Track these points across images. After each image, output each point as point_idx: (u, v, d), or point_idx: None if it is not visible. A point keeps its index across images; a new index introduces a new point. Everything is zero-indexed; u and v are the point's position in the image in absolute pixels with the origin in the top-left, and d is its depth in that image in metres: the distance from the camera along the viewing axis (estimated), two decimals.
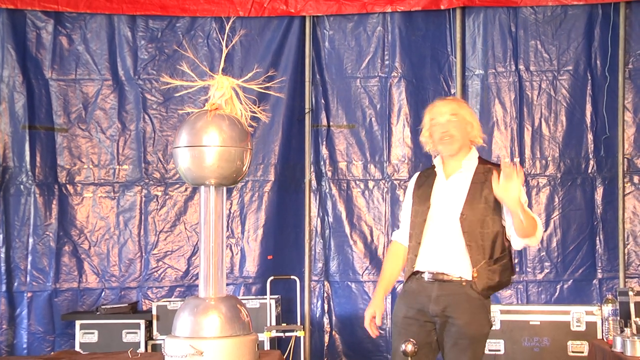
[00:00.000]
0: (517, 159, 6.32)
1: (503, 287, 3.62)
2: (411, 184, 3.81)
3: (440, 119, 3.61)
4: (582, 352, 5.35)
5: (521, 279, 6.24)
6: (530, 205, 6.18)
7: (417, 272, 3.62)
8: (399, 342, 3.37)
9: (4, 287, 6.24)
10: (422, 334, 3.54)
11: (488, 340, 5.47)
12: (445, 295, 3.51)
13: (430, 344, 3.56)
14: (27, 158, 6.32)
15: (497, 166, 3.49)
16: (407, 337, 3.29)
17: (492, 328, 5.41)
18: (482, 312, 3.52)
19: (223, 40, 3.21)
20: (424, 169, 3.87)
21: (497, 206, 3.50)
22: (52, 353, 3.87)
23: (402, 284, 3.81)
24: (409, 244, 3.72)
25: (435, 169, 3.69)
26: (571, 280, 6.21)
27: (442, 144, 3.60)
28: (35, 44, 6.39)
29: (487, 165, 3.60)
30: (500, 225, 3.53)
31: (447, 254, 3.53)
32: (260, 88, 3.19)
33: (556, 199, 6.28)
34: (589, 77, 6.27)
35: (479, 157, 3.68)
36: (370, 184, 6.46)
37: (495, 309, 5.55)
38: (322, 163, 6.51)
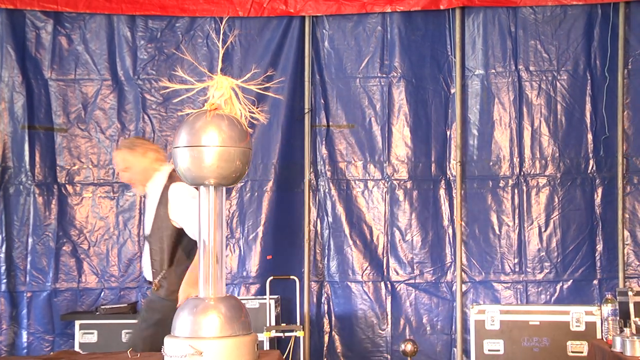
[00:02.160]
0: (516, 159, 6.32)
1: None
2: None
3: (118, 169, 4.12)
4: (582, 352, 5.35)
5: (521, 279, 6.25)
6: (529, 206, 6.23)
7: None
8: None
9: (3, 287, 6.24)
10: None
11: (488, 340, 5.52)
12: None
13: None
14: (27, 158, 6.33)
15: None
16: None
17: (492, 328, 5.46)
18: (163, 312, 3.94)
19: (220, 40, 3.20)
20: None
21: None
22: (52, 353, 3.86)
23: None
24: None
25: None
26: (571, 281, 6.21)
27: (132, 188, 4.18)
28: (34, 44, 6.39)
29: (169, 184, 4.06)
30: (178, 239, 4.02)
31: (146, 267, 4.21)
32: (260, 89, 3.19)
33: (556, 199, 6.28)
34: (589, 77, 6.27)
35: (169, 175, 4.11)
36: (370, 184, 6.46)
37: (494, 309, 5.56)
38: (321, 163, 6.51)
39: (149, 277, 4.18)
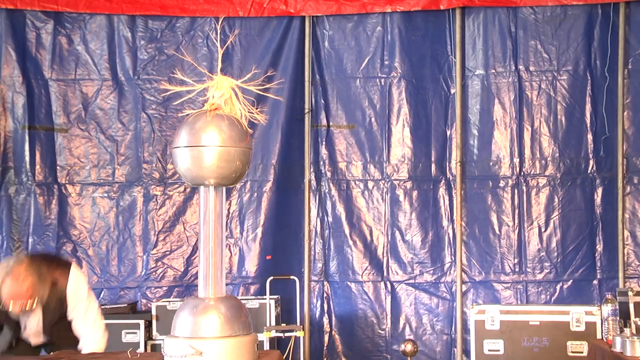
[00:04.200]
0: (516, 159, 6.32)
1: None
2: None
3: (19, 296, 3.72)
4: (582, 353, 5.35)
5: (521, 279, 6.25)
6: (529, 206, 6.23)
7: None
8: None
9: None
10: None
11: (488, 340, 5.52)
12: None
13: None
14: (27, 158, 6.33)
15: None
16: None
17: (492, 328, 5.46)
18: None
19: (218, 40, 3.21)
20: None
21: None
22: (52, 353, 3.86)
23: None
24: None
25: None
26: (571, 281, 6.21)
27: (20, 313, 3.80)
28: (34, 44, 6.39)
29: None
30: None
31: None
32: (260, 89, 3.19)
33: (556, 199, 6.28)
34: (589, 77, 6.27)
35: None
36: (370, 184, 6.46)
37: (494, 309, 5.56)
38: (321, 163, 6.51)
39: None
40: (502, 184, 6.34)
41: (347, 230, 6.44)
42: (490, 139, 6.37)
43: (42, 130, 6.40)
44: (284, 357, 5.49)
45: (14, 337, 3.98)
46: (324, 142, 6.51)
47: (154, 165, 6.45)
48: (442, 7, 6.30)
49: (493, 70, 6.37)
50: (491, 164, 6.36)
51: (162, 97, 6.40)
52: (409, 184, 6.43)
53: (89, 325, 3.98)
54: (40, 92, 6.40)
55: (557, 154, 6.30)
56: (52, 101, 6.42)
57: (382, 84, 6.47)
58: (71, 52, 6.44)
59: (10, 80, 6.35)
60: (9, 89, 6.35)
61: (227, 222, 6.34)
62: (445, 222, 6.39)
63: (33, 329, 3.97)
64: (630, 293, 5.16)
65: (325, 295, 6.44)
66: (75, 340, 4.00)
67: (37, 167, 6.37)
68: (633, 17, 6.23)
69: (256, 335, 3.14)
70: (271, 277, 6.00)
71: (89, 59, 6.45)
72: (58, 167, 6.41)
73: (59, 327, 3.98)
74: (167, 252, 6.42)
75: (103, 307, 5.94)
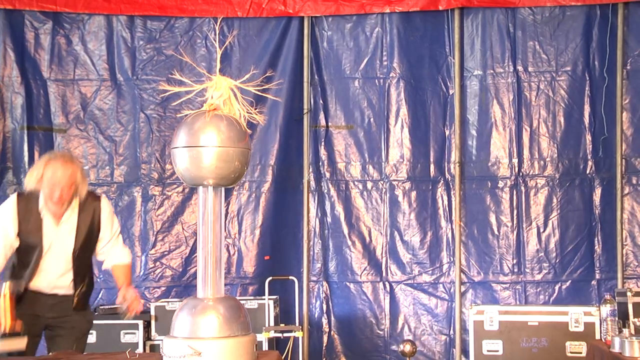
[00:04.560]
0: (515, 160, 6.33)
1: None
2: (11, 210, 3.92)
3: (62, 182, 3.81)
4: (580, 353, 5.35)
5: (519, 279, 6.25)
6: (528, 206, 6.23)
7: None
8: None
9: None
10: None
11: (486, 341, 5.52)
12: None
13: None
14: (26, 159, 6.32)
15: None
16: None
17: (491, 328, 5.46)
18: None
19: (217, 41, 3.21)
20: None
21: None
22: (51, 354, 3.86)
23: None
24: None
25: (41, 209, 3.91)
26: (569, 281, 6.22)
27: (55, 204, 3.87)
28: (33, 44, 6.39)
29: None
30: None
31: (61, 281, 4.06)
32: (258, 90, 3.19)
33: (554, 200, 6.28)
34: (587, 78, 6.28)
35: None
36: (369, 185, 6.46)
37: (493, 310, 5.56)
38: (320, 164, 6.51)
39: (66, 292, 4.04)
40: (500, 184, 6.34)
41: (346, 231, 6.44)
42: (488, 140, 6.37)
43: (41, 131, 6.40)
44: (282, 357, 5.48)
45: (24, 271, 3.98)
46: (322, 143, 6.51)
47: (152, 165, 6.45)
48: (440, 8, 6.31)
49: (492, 71, 6.37)
50: (490, 164, 6.37)
51: (161, 98, 6.41)
52: (407, 185, 6.43)
53: (120, 245, 4.20)
54: (38, 93, 6.39)
55: (556, 155, 6.30)
56: (51, 101, 6.42)
57: (381, 84, 6.47)
58: (70, 53, 6.44)
59: (8, 80, 6.35)
60: (7, 90, 6.35)
61: (225, 223, 6.34)
62: (443, 223, 6.40)
63: (59, 249, 3.93)
64: (629, 293, 5.17)
65: (324, 295, 6.44)
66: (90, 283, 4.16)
67: None
68: (631, 17, 6.24)
69: (255, 335, 3.14)
70: (270, 278, 6.00)
71: (87, 59, 6.45)
72: None
73: (84, 255, 4.04)
74: (166, 252, 6.42)
75: (102, 307, 5.96)
